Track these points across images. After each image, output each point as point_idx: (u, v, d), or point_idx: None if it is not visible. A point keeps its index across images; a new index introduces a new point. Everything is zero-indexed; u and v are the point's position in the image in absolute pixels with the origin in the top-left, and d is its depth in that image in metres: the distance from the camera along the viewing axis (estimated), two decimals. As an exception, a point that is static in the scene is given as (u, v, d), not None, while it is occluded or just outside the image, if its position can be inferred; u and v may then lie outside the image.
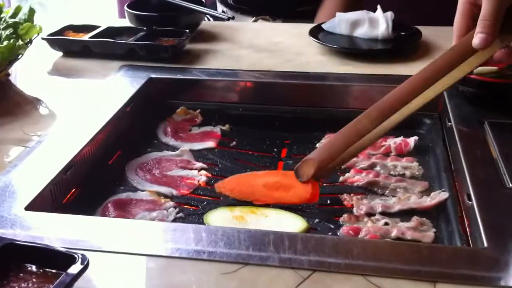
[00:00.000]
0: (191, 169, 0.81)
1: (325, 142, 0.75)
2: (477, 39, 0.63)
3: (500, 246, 0.53)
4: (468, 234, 0.60)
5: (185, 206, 0.74)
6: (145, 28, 1.09)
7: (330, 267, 0.52)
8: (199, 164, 0.82)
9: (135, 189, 0.77)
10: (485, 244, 0.54)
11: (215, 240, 0.55)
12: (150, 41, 1.05)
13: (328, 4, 1.52)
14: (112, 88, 0.93)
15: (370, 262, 0.52)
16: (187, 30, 1.07)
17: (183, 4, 1.12)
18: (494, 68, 0.89)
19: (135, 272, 0.53)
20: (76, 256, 0.47)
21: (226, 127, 0.93)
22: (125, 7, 1.15)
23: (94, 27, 1.11)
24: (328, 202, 0.74)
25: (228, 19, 1.11)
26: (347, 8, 1.44)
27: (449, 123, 0.80)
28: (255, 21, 1.56)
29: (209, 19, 1.35)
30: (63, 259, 0.48)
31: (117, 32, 1.11)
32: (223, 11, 1.63)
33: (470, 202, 0.61)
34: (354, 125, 0.69)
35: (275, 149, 0.88)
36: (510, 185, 0.63)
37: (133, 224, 0.62)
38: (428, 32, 1.10)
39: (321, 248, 0.53)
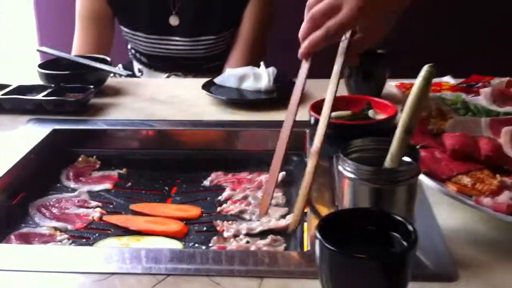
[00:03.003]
0: (87, 207, 0.93)
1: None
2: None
3: (320, 249, 0.67)
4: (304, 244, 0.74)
5: (79, 238, 0.85)
6: (53, 85, 1.21)
7: (182, 271, 0.64)
8: (94, 203, 0.94)
9: (36, 225, 0.87)
10: (308, 248, 0.68)
11: (92, 257, 0.67)
12: (57, 97, 1.17)
13: (233, 61, 1.69)
14: (19, 139, 1.04)
15: (214, 266, 0.65)
16: (92, 86, 1.19)
17: (88, 63, 1.25)
18: (349, 112, 1.07)
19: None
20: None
21: (123, 171, 1.05)
22: (37, 67, 1.27)
23: (7, 86, 1.22)
24: (204, 229, 0.87)
25: (127, 75, 1.25)
26: (249, 63, 1.62)
27: (306, 159, 0.95)
28: (168, 77, 1.71)
29: (116, 76, 1.48)
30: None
31: (28, 90, 1.22)
32: (138, 69, 1.78)
33: (306, 219, 0.76)
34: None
35: (166, 188, 1.01)
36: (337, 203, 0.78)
37: (27, 249, 0.73)
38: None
39: (177, 258, 0.66)
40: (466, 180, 0.73)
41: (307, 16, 0.80)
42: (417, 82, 0.66)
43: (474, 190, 0.72)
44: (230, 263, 0.65)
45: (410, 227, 0.55)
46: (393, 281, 0.53)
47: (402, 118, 0.67)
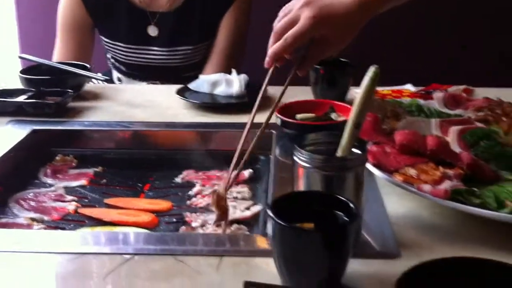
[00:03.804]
0: (64, 201, 0.98)
1: None
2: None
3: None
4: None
5: (55, 228, 0.90)
6: (33, 89, 1.27)
7: (149, 251, 0.70)
8: (70, 197, 0.99)
9: (14, 216, 0.92)
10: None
11: (67, 240, 0.72)
12: (37, 100, 1.22)
13: (209, 71, 1.75)
14: (-1, 139, 1.09)
15: (179, 247, 0.71)
16: (71, 90, 1.25)
17: (67, 69, 1.31)
18: (312, 114, 1.14)
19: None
20: None
21: (99, 169, 1.11)
22: (18, 73, 1.33)
23: (-12, 89, 1.27)
24: (174, 220, 0.93)
25: (105, 80, 1.31)
26: (225, 72, 1.68)
27: (271, 156, 1.02)
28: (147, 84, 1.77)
29: (94, 82, 1.54)
30: None
31: (9, 93, 1.27)
32: (118, 78, 1.84)
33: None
34: None
35: (139, 184, 1.07)
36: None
37: (7, 233, 0.79)
38: (273, 90, 1.34)
39: (145, 240, 0.72)
40: (411, 171, 0.80)
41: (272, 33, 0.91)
42: (364, 81, 0.73)
43: (419, 180, 0.79)
44: (193, 244, 0.71)
45: (351, 205, 0.61)
46: (336, 251, 0.59)
47: (351, 114, 0.74)
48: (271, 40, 0.92)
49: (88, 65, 1.39)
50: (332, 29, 0.90)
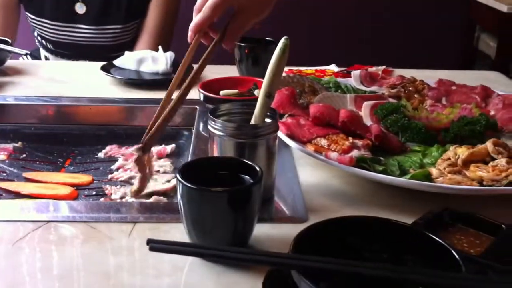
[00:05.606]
0: (-20, 175, 0.96)
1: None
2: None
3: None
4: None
5: (-31, 201, 0.88)
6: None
7: (62, 218, 0.70)
8: (-13, 171, 0.97)
9: None
10: (180, 199, 0.76)
11: None
12: (-47, 74, 1.18)
13: (138, 50, 1.74)
14: None
15: (92, 214, 0.71)
16: (-11, 65, 1.22)
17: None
18: (236, 91, 1.16)
19: None
20: None
21: (19, 144, 1.09)
22: None
23: None
24: (94, 193, 0.94)
25: (26, 54, 1.28)
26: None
27: (193, 131, 1.04)
28: (73, 62, 1.73)
29: (21, 58, 1.51)
30: None
31: None
32: (45, 56, 1.79)
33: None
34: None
35: (60, 159, 1.06)
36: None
37: None
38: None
39: (58, 209, 0.72)
40: (323, 141, 0.84)
41: None
42: (275, 52, 0.76)
43: (329, 150, 0.82)
44: (106, 212, 0.72)
45: (257, 168, 0.64)
46: (240, 211, 0.62)
47: (263, 85, 0.76)
48: (193, 18, 0.92)
49: (9, 40, 1.36)
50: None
